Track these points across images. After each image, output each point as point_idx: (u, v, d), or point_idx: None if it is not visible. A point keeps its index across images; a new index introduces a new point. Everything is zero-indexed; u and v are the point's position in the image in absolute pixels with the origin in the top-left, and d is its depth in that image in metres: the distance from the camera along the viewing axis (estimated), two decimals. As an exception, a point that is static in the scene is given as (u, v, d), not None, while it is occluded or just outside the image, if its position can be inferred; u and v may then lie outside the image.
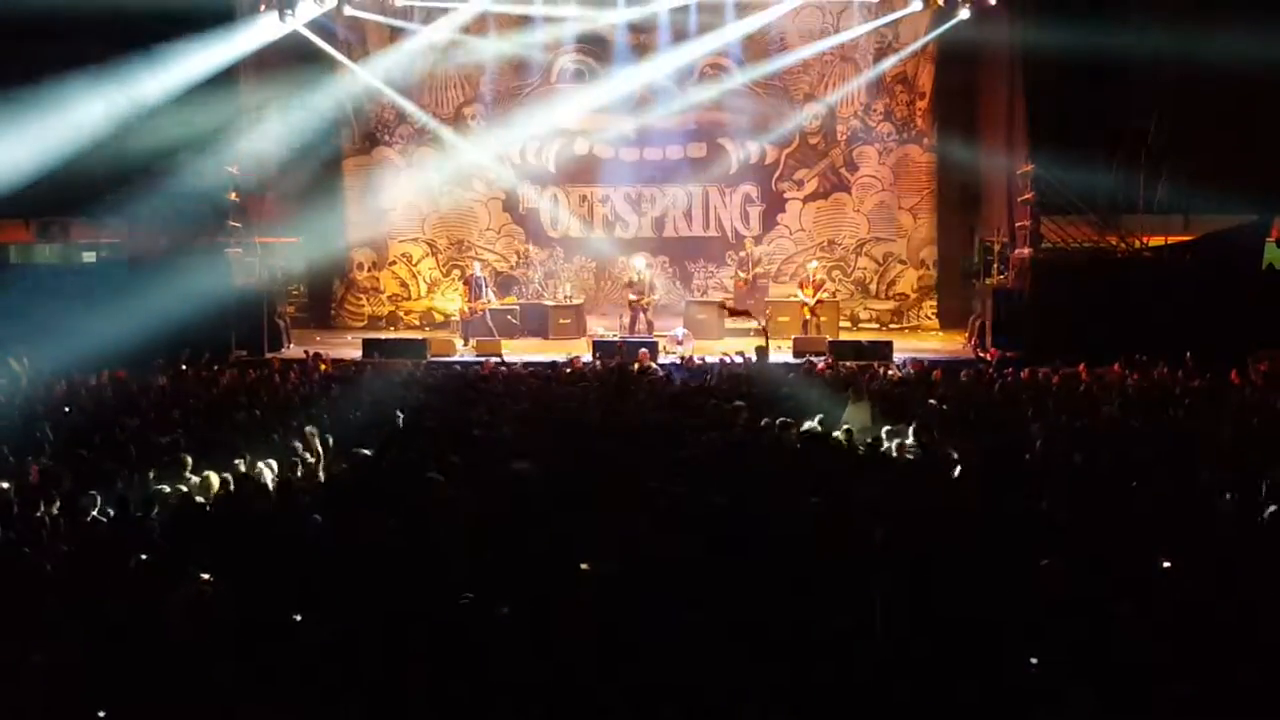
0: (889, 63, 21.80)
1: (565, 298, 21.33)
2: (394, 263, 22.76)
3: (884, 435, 10.64)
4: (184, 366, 15.53)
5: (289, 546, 7.38)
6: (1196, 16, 19.77)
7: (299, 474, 9.67)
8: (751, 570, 6.69)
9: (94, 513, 8.32)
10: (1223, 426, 10.56)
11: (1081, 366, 14.31)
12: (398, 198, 22.58)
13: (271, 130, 20.67)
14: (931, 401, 12.33)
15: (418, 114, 22.19)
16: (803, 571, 6.66)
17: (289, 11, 19.77)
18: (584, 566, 6.75)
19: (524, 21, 21.75)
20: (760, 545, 7.10)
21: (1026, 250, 18.53)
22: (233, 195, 19.22)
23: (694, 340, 19.11)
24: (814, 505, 7.92)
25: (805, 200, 22.41)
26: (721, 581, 6.50)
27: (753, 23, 21.38)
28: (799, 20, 21.77)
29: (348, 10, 20.61)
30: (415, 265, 22.74)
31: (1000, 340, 17.72)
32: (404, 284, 22.79)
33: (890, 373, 15.20)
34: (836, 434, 10.82)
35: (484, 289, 20.45)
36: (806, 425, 11.09)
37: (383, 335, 20.62)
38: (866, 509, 7.86)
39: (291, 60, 21.15)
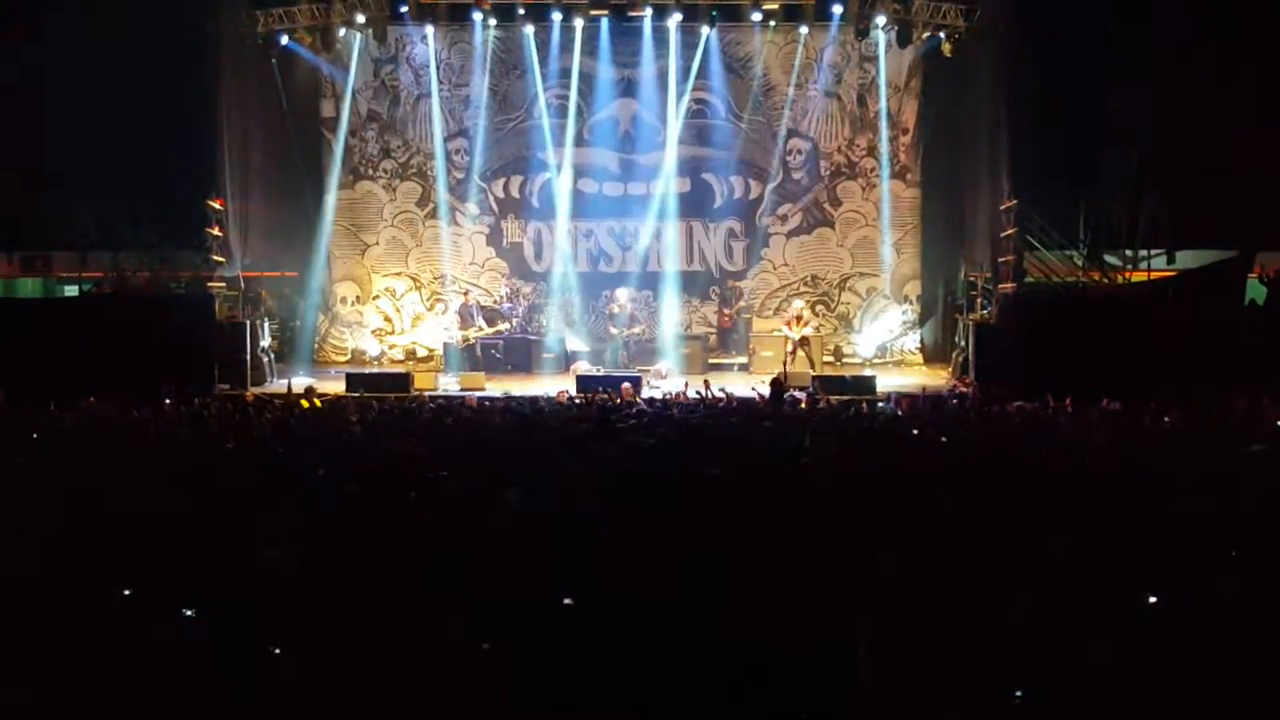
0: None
1: (550, 332, 21.28)
2: (377, 297, 22.73)
3: None
4: (167, 400, 15.41)
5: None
6: (1179, 53, 19.99)
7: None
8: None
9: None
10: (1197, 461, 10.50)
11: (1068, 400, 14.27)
12: (381, 231, 22.61)
13: (254, 164, 20.70)
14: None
15: (401, 148, 22.35)
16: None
17: (272, 43, 19.95)
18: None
19: (510, 56, 21.95)
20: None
21: (1010, 285, 18.57)
22: (215, 229, 19.20)
23: (677, 374, 19.10)
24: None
25: (789, 235, 22.46)
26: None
27: (736, 58, 21.61)
28: (783, 57, 21.97)
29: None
30: (399, 299, 22.71)
31: (983, 375, 17.71)
32: (387, 318, 22.75)
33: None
34: None
35: (474, 318, 20.56)
36: None
37: (366, 370, 20.56)
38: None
39: (274, 92, 21.26)
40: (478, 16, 21.10)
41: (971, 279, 20.64)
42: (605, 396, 15.35)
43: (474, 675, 6.00)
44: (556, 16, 21.05)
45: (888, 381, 18.63)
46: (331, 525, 7.94)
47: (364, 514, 8.26)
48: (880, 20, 20.64)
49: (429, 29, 21.48)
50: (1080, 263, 19.18)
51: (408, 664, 6.05)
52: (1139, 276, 19.59)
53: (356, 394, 16.95)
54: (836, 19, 20.99)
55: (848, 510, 8.39)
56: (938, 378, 20.07)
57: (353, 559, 7.34)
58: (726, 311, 21.50)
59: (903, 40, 20.85)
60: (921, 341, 22.46)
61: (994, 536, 8.17)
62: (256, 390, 17.75)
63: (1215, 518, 8.76)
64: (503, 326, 20.98)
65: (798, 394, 16.34)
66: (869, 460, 10.43)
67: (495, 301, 21.67)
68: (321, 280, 22.33)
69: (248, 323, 18.90)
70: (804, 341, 19.74)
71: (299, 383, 18.02)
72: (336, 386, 18.01)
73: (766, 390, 15.27)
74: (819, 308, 22.06)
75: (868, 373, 19.29)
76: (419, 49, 22.04)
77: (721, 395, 15.15)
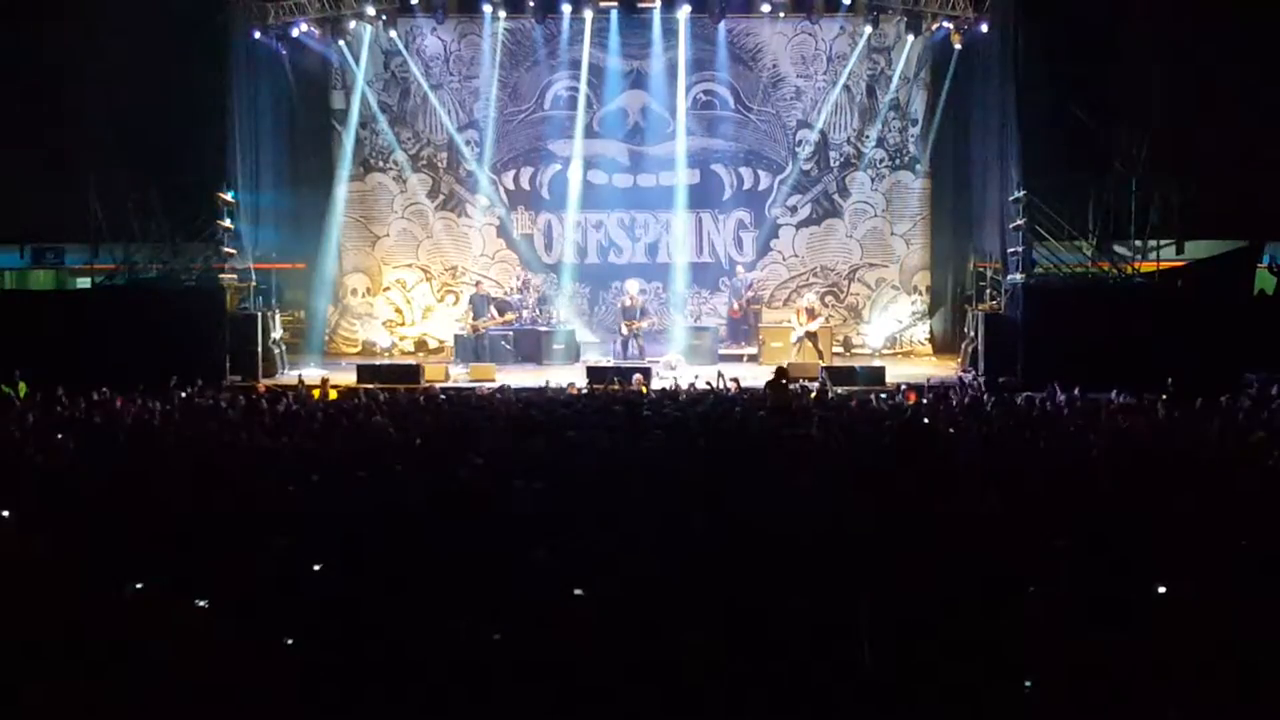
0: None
1: (559, 323, 21.34)
2: (388, 288, 22.80)
3: None
4: (183, 393, 15.46)
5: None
6: (1188, 43, 19.95)
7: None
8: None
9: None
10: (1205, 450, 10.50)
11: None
12: (391, 223, 22.67)
13: (265, 156, 20.75)
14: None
15: (411, 140, 22.43)
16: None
17: (283, 34, 20.01)
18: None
19: (520, 48, 22.01)
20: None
21: (1019, 275, 18.56)
22: (226, 221, 19.25)
23: (687, 365, 19.13)
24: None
25: (798, 226, 22.48)
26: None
27: (746, 49, 21.64)
28: (792, 48, 21.97)
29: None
30: (409, 291, 22.77)
31: (992, 365, 17.72)
32: (398, 310, 22.82)
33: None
34: None
35: (486, 307, 20.63)
36: None
37: (376, 361, 20.61)
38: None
39: (285, 84, 21.34)
40: (487, 8, 21.16)
41: (981, 269, 20.60)
42: (616, 388, 15.40)
43: (483, 665, 6.06)
44: (566, 8, 21.09)
45: (897, 372, 18.66)
46: (343, 518, 7.99)
47: (376, 507, 8.32)
48: (889, 11, 20.62)
49: (439, 21, 21.52)
50: (1089, 253, 19.15)
51: (416, 654, 6.11)
52: (1148, 267, 19.57)
53: (368, 385, 17.00)
54: (845, 9, 20.97)
55: (853, 499, 8.43)
56: (947, 368, 20.08)
57: (365, 552, 7.41)
58: (736, 304, 21.52)
59: (912, 31, 20.83)
60: (931, 332, 22.50)
61: (1002, 527, 8.23)
62: (268, 381, 17.85)
63: (1221, 507, 8.80)
64: (511, 317, 21.02)
65: (807, 384, 16.35)
66: (874, 450, 10.46)
67: (505, 293, 21.70)
68: (332, 272, 22.41)
69: (259, 314, 18.96)
70: (811, 335, 19.76)
71: (313, 374, 18.12)
72: (347, 378, 18.08)
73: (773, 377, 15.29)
74: (828, 298, 22.09)
75: (877, 363, 19.30)
76: (429, 41, 22.12)
77: (732, 385, 15.20)
